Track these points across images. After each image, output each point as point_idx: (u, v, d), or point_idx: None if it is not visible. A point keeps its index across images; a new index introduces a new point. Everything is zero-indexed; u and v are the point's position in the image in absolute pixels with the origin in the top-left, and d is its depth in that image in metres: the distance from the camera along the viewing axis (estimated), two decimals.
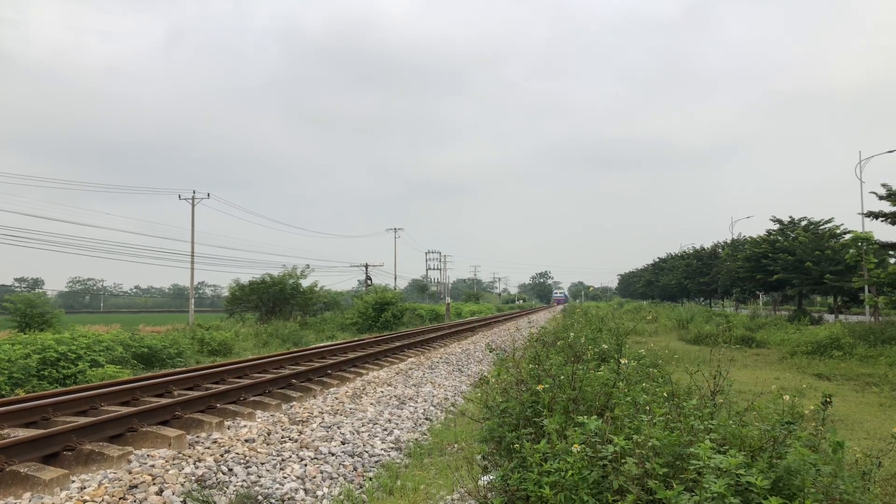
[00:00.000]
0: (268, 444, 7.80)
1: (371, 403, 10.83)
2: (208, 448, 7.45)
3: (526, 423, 4.82)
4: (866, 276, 24.20)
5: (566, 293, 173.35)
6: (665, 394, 5.18)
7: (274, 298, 39.57)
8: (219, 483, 6.40)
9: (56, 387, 12.87)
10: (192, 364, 17.86)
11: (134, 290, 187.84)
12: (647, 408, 4.53)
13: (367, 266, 66.58)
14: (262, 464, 7.08)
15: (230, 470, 6.78)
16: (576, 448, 3.60)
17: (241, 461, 7.05)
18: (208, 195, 47.41)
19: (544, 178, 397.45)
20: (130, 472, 6.33)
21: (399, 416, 10.17)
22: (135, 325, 32.59)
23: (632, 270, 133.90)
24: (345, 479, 7.05)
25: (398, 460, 7.87)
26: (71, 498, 5.65)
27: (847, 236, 32.68)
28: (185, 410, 9.00)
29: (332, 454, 7.74)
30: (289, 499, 6.28)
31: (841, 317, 35.63)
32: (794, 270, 36.21)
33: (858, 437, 8.48)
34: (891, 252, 25.91)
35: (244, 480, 6.55)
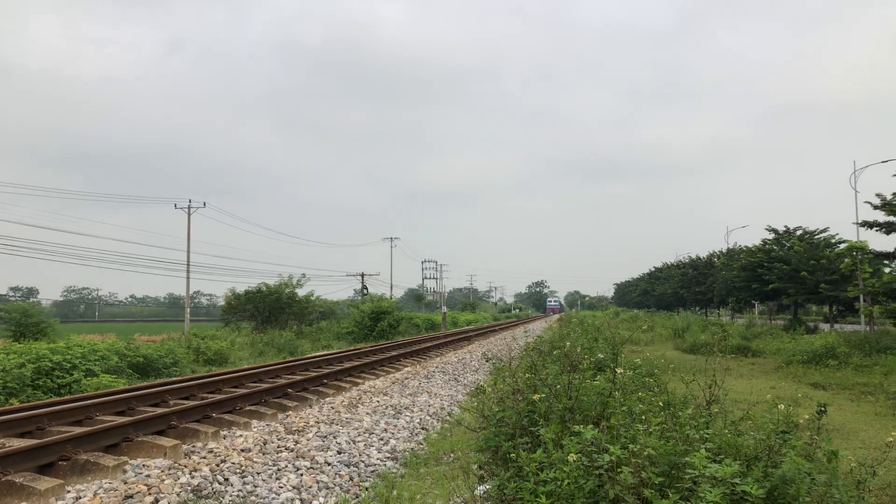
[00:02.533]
0: (264, 454, 7.79)
1: (367, 413, 10.81)
2: (204, 458, 7.43)
3: (522, 432, 4.83)
4: (861, 286, 24.32)
5: (561, 302, 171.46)
6: (661, 403, 5.20)
7: (270, 308, 39.51)
8: (215, 493, 6.38)
9: (51, 396, 12.82)
10: (187, 373, 17.80)
11: (129, 300, 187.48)
12: (643, 417, 4.55)
13: (363, 275, 66.60)
14: (258, 473, 7.07)
15: (226, 479, 6.77)
16: (572, 457, 3.61)
17: (237, 471, 7.04)
18: (204, 204, 47.48)
19: (540, 188, 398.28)
20: (126, 482, 6.31)
21: (395, 426, 10.16)
22: (130, 335, 32.42)
23: (628, 280, 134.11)
24: (341, 488, 7.03)
25: (394, 470, 7.86)
26: None
27: (842, 246, 32.88)
28: (181, 420, 8.98)
29: (328, 464, 7.72)
30: None
31: (836, 326, 35.72)
32: (789, 280, 36.33)
33: (854, 446, 8.50)
34: (885, 261, 26.03)
35: (240, 490, 6.53)
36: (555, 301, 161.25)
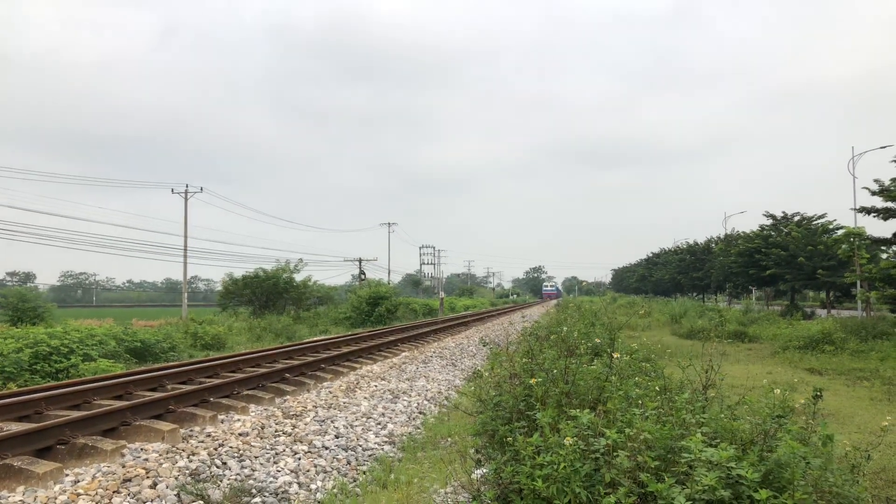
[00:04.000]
0: (261, 438, 7.81)
1: (365, 397, 10.84)
2: (202, 442, 7.45)
3: (519, 416, 4.85)
4: (858, 272, 24.35)
5: (558, 287, 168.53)
6: (657, 388, 5.22)
7: (267, 293, 39.51)
8: (213, 476, 6.40)
9: (48, 381, 12.84)
10: (185, 358, 17.83)
11: (126, 285, 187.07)
12: (640, 402, 4.56)
13: (360, 261, 66.57)
14: (256, 457, 7.09)
15: (224, 463, 6.79)
16: (568, 441, 3.62)
17: (235, 455, 7.06)
18: (201, 189, 47.34)
19: (538, 174, 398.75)
20: (124, 466, 6.33)
21: (393, 410, 10.19)
22: (128, 320, 32.42)
23: (625, 265, 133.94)
24: (338, 472, 7.07)
25: (392, 454, 7.90)
26: (65, 491, 5.64)
27: (839, 231, 32.84)
28: (179, 404, 8.99)
29: (326, 448, 7.75)
30: (283, 492, 6.29)
31: (833, 312, 35.82)
32: (786, 265, 36.39)
33: (849, 430, 8.55)
34: (883, 247, 26.04)
35: (238, 474, 6.56)
36: (551, 286, 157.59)
